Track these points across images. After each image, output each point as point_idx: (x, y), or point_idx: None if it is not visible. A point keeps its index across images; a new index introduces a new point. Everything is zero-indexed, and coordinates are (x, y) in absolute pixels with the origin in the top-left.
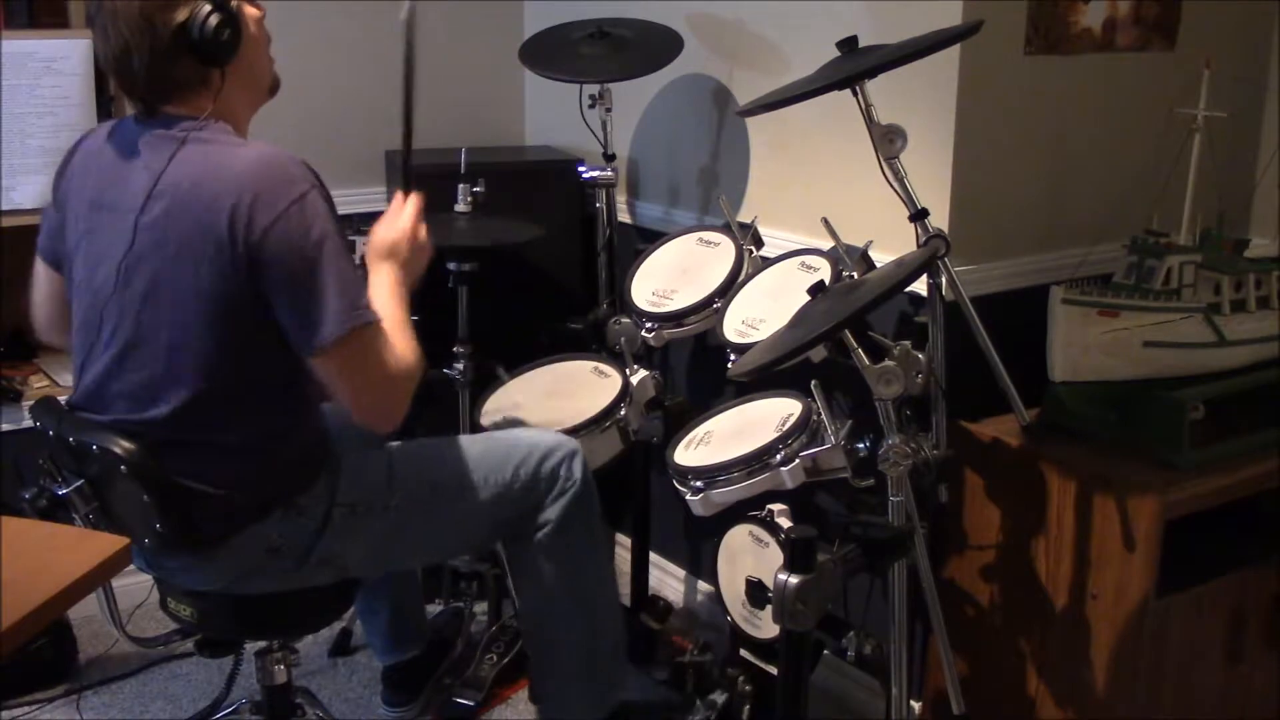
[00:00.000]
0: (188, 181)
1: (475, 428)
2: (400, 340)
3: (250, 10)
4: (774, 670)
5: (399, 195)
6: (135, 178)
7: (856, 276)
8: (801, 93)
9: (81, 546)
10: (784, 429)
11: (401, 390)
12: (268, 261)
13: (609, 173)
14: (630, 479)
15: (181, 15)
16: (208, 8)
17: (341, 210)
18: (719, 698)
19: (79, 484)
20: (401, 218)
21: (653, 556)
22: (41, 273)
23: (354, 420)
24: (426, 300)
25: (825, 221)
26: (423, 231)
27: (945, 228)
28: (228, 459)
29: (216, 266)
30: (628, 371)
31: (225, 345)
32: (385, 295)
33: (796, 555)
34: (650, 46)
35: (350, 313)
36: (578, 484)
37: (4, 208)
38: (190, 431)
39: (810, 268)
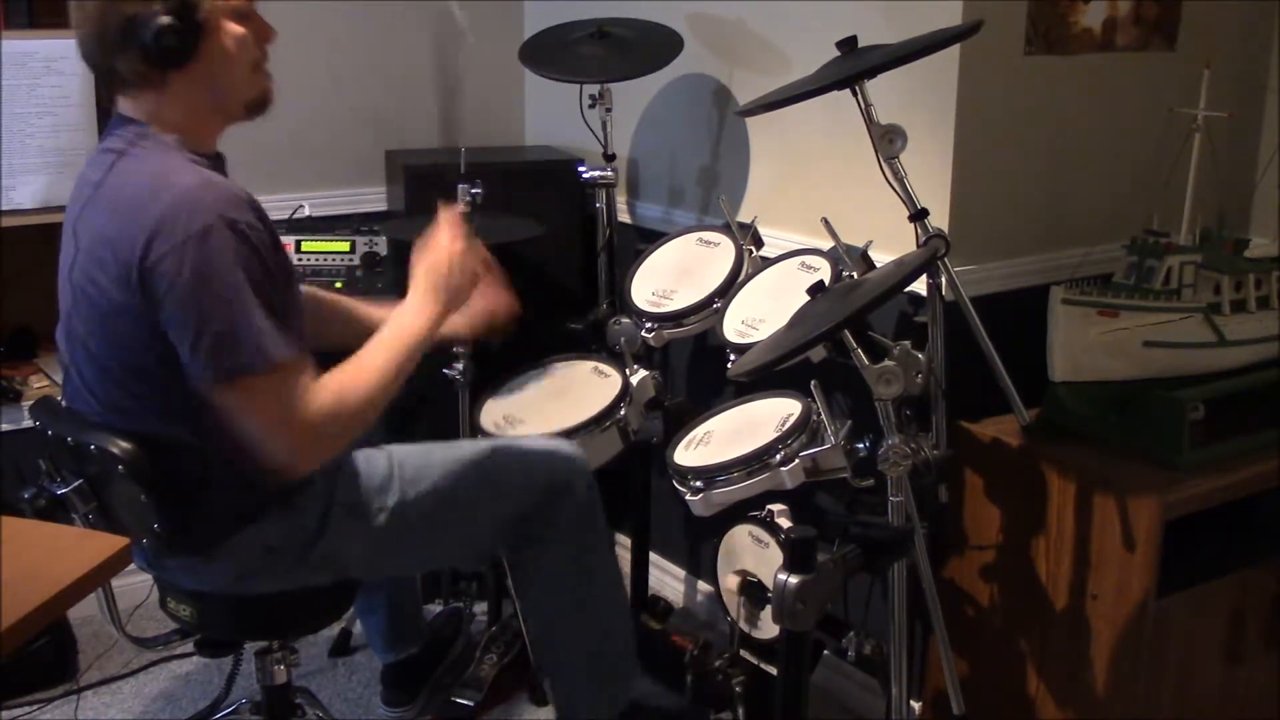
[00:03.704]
0: (117, 201)
1: (475, 428)
2: (346, 388)
3: (232, 27)
4: (774, 670)
5: (442, 209)
6: (81, 192)
7: (856, 276)
8: (801, 93)
9: (81, 546)
10: (784, 429)
11: (304, 441)
12: (154, 294)
13: (609, 173)
14: (630, 479)
15: (132, 9)
16: (159, 9)
17: (341, 210)
18: (726, 717)
19: (78, 484)
20: (440, 238)
21: (653, 556)
22: None
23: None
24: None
25: (825, 221)
26: (464, 255)
27: (945, 228)
28: (217, 459)
29: (126, 292)
30: (628, 371)
31: (172, 362)
32: (382, 341)
33: (796, 555)
34: (650, 46)
35: (232, 357)
36: (582, 494)
37: (4, 208)
38: (169, 437)
39: (810, 268)
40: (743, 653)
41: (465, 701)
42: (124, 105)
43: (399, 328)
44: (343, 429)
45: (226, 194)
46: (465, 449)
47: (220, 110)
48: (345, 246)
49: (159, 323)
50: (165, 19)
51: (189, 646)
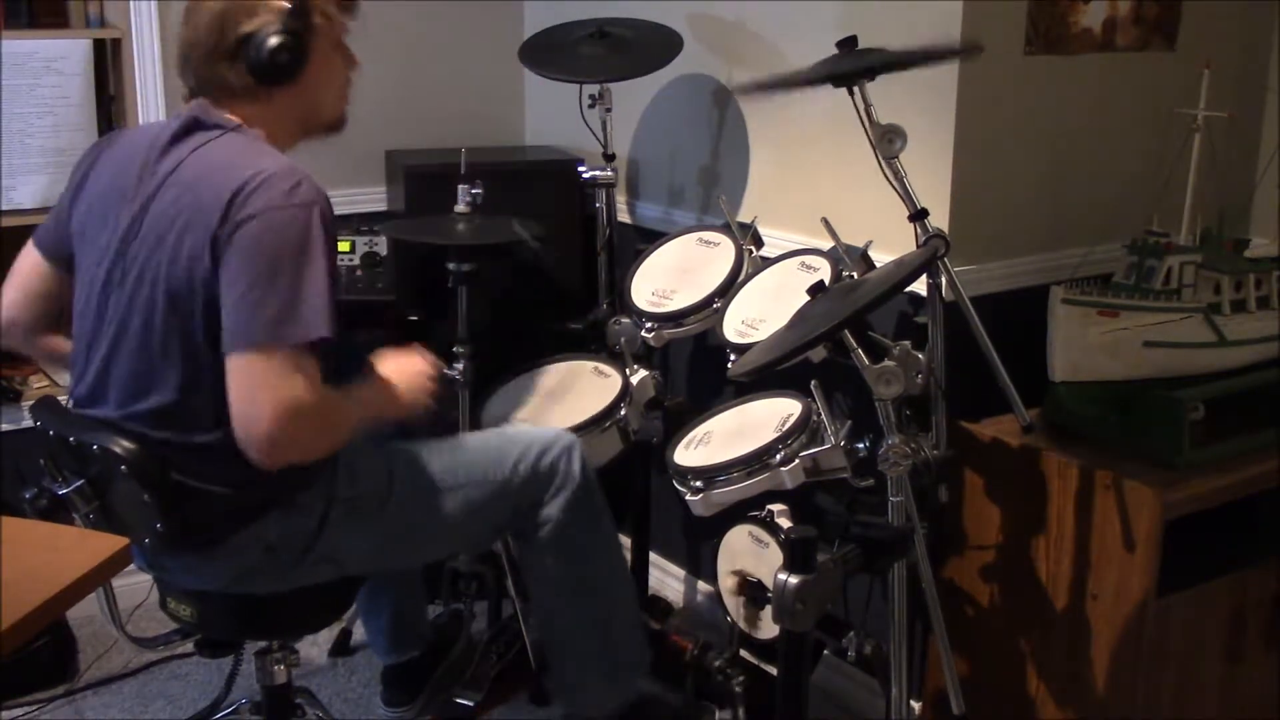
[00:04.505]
0: (201, 171)
1: (476, 428)
2: (341, 410)
3: (332, 54)
4: (774, 670)
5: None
6: (154, 170)
7: (856, 276)
8: (801, 80)
9: (81, 546)
10: (784, 429)
11: (303, 440)
12: (241, 244)
13: (609, 173)
14: (630, 479)
15: (250, 26)
16: (276, 28)
17: (341, 210)
18: (727, 716)
19: (79, 484)
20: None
21: (653, 556)
22: (32, 268)
23: (238, 433)
24: (426, 300)
25: (825, 221)
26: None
27: (945, 228)
28: (220, 457)
29: (194, 250)
30: (628, 371)
31: (204, 337)
32: (368, 402)
33: (796, 555)
34: (650, 46)
35: (289, 327)
36: (577, 478)
37: (4, 208)
38: (178, 427)
39: (810, 268)
40: (743, 653)
41: (465, 701)
42: (209, 109)
43: (378, 405)
44: (318, 439)
45: (319, 186)
46: (460, 440)
47: (305, 127)
48: (345, 246)
49: (213, 278)
50: (280, 38)
51: (189, 646)
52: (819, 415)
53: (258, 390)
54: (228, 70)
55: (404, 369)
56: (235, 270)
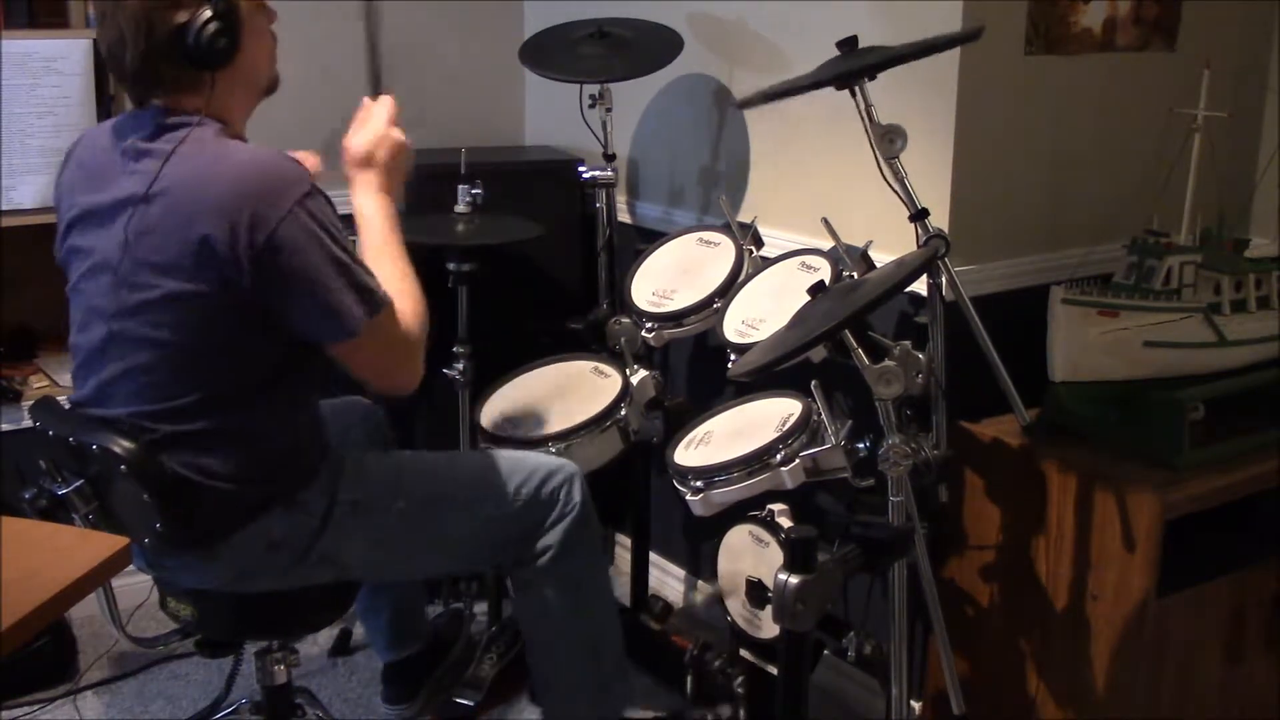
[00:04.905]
0: (183, 185)
1: (475, 429)
2: (406, 295)
3: (258, 18)
4: (774, 670)
5: (366, 100)
6: (129, 180)
7: (856, 276)
8: (802, 85)
9: (81, 546)
10: (784, 429)
11: (420, 351)
12: (278, 265)
13: (609, 173)
14: (630, 479)
15: (181, 18)
16: (208, 14)
17: (342, 210)
18: (724, 711)
19: (79, 484)
20: (373, 120)
21: (653, 556)
22: None
23: (379, 390)
24: (425, 300)
25: (825, 221)
26: (397, 132)
27: (945, 228)
28: (222, 453)
29: (214, 272)
30: (628, 371)
31: (216, 346)
32: (377, 228)
33: (796, 555)
34: (650, 46)
35: (368, 298)
36: (578, 507)
37: (4, 208)
38: (185, 427)
39: (810, 268)
40: (743, 653)
41: (465, 701)
42: (167, 110)
43: (376, 227)
44: (422, 332)
45: (293, 160)
46: (467, 458)
47: (254, 95)
48: None
49: (259, 299)
50: (215, 24)
51: (189, 646)
52: (819, 415)
53: (382, 358)
54: (167, 67)
55: (369, 145)
56: (288, 290)
